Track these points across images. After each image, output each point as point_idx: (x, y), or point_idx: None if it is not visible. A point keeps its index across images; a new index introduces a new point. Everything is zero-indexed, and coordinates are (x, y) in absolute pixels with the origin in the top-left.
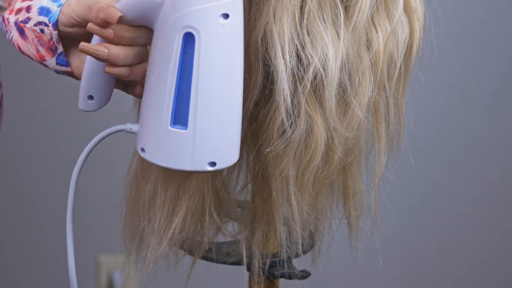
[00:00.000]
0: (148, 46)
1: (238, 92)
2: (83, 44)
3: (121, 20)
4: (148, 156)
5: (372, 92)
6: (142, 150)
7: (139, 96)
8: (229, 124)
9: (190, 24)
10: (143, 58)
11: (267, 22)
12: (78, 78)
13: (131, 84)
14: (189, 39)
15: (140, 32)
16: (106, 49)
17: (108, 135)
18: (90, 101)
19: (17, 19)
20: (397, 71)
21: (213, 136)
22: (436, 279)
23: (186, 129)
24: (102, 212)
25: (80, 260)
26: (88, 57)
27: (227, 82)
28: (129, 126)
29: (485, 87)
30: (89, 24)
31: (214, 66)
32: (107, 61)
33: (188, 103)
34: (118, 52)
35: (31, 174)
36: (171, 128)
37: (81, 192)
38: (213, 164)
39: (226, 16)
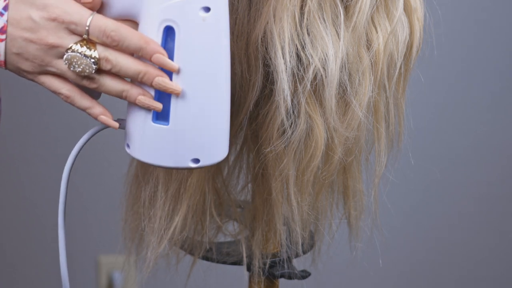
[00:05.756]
0: None
1: (224, 87)
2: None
3: (103, 12)
4: (132, 152)
5: (372, 92)
6: (127, 146)
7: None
8: (214, 119)
9: (170, 17)
10: None
11: (267, 22)
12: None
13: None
14: (169, 32)
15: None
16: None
17: (97, 132)
18: None
19: None
20: (397, 71)
21: (196, 132)
22: (436, 279)
23: (168, 124)
24: (102, 212)
25: (80, 260)
26: None
27: (210, 77)
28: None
29: (485, 87)
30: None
31: (195, 61)
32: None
33: (170, 98)
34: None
35: (28, 172)
36: (153, 124)
37: (81, 192)
38: (196, 160)
39: (207, 9)
